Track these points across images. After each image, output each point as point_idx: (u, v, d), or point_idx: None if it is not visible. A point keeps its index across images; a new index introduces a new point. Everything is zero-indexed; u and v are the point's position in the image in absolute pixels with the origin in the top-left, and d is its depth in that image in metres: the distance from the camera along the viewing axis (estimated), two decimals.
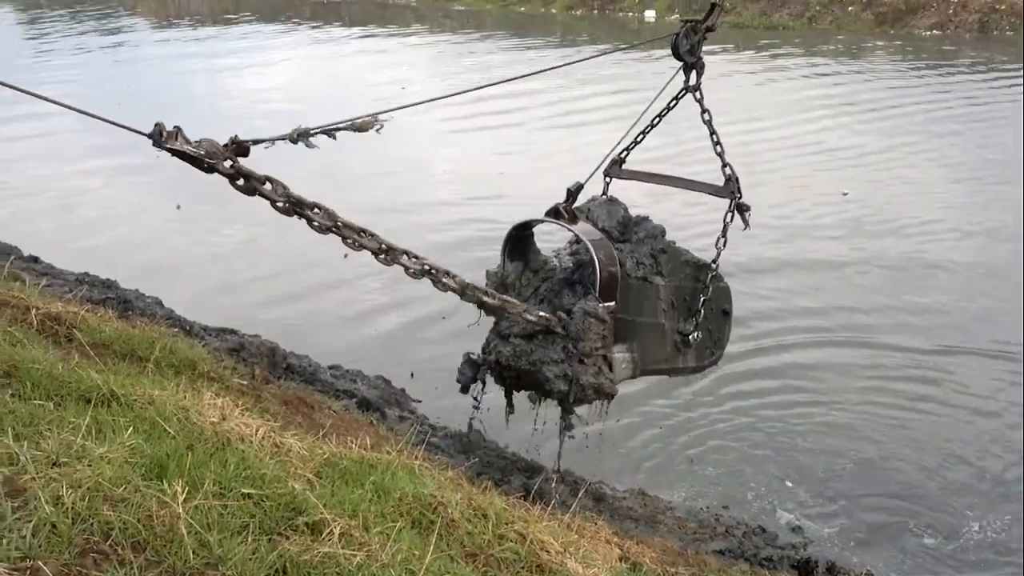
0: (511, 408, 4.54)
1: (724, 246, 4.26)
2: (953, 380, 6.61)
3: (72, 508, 1.82)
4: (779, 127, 14.15)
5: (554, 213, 4.30)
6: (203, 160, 2.63)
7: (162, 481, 2.04)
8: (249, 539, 1.96)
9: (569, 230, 4.27)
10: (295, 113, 14.47)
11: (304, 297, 7.99)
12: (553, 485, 4.24)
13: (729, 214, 4.21)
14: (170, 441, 2.31)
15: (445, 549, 2.30)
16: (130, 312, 5.46)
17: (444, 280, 3.45)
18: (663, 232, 4.44)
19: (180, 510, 1.91)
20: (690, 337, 4.35)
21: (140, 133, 2.52)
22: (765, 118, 14.52)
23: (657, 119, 4.35)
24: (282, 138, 2.72)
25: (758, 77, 19.00)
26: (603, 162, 4.57)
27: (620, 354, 4.18)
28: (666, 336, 4.34)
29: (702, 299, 4.33)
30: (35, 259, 7.27)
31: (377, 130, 2.79)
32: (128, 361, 3.33)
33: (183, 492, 1.97)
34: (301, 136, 2.71)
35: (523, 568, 2.41)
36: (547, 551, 2.50)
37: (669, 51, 4.19)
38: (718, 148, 4.19)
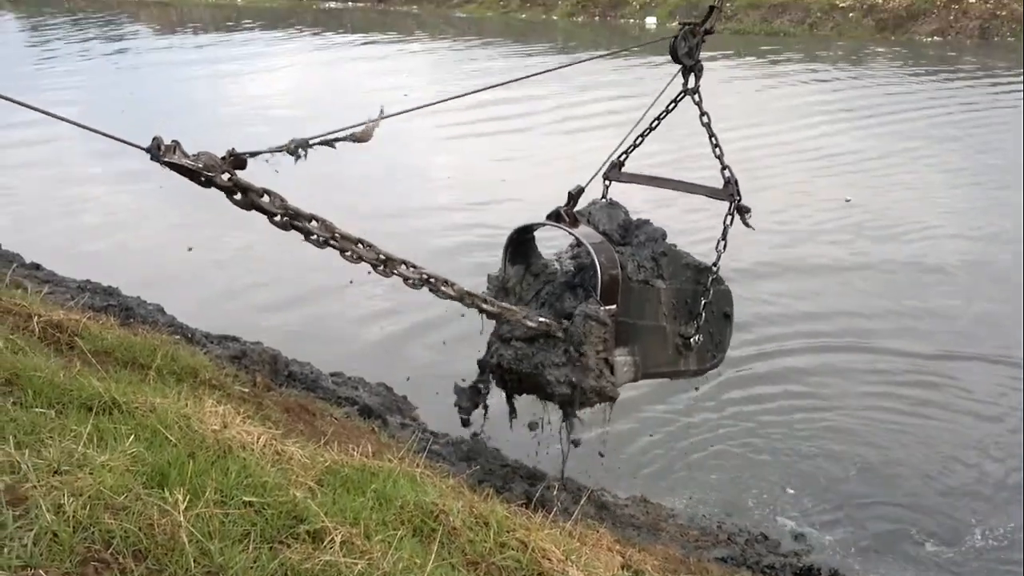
0: (514, 413, 4.54)
1: (724, 249, 4.26)
2: (955, 385, 6.60)
3: (73, 516, 1.82)
4: (779, 133, 14.16)
5: (555, 216, 4.30)
6: (200, 173, 2.63)
7: (163, 489, 2.04)
8: (250, 547, 1.96)
9: (570, 233, 4.28)
10: (296, 119, 14.52)
11: (305, 303, 8.00)
12: (555, 493, 4.23)
13: (729, 217, 4.22)
14: (171, 449, 2.31)
15: (447, 557, 2.29)
16: (132, 319, 5.47)
17: (443, 288, 3.46)
18: (664, 235, 4.44)
19: (181, 518, 1.91)
20: (691, 340, 4.35)
21: (138, 147, 2.53)
22: (765, 124, 14.54)
23: (656, 122, 4.36)
24: (280, 150, 2.72)
25: (758, 83, 19.02)
26: (603, 166, 4.59)
27: (621, 357, 4.18)
28: (667, 339, 4.34)
29: (703, 302, 4.33)
30: (37, 266, 7.29)
31: (374, 124, 2.77)
32: (130, 369, 3.34)
33: (184, 500, 1.97)
34: (300, 147, 2.71)
35: None
36: (549, 559, 2.50)
37: (669, 57, 4.19)
38: (717, 151, 4.19)
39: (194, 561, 1.84)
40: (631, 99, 13.71)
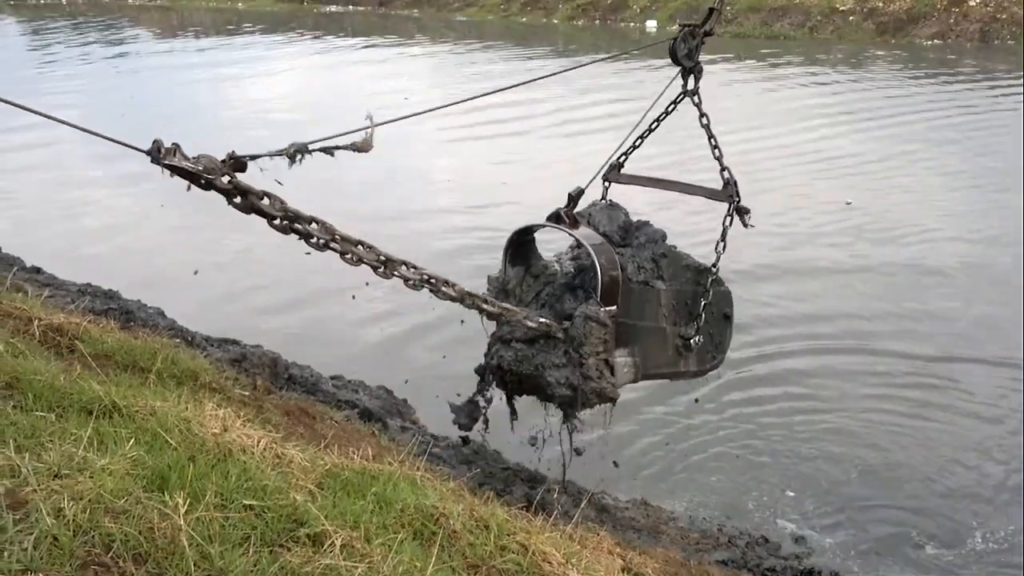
0: (514, 415, 4.54)
1: (724, 250, 4.27)
2: (955, 387, 6.60)
3: (73, 520, 1.82)
4: (779, 136, 14.18)
5: (555, 218, 4.31)
6: (201, 176, 2.63)
7: (163, 493, 2.04)
8: (250, 551, 1.96)
9: (570, 235, 4.28)
10: (296, 123, 14.54)
11: (305, 305, 8.00)
12: (556, 496, 4.23)
13: (728, 218, 4.23)
14: (172, 453, 2.31)
15: (447, 561, 2.29)
16: (132, 323, 5.47)
17: (444, 289, 3.46)
18: (664, 236, 4.44)
19: (181, 522, 1.91)
20: (691, 341, 4.36)
21: (138, 150, 2.53)
22: (765, 127, 14.56)
23: (656, 124, 4.37)
24: (279, 154, 2.72)
25: (758, 86, 19.05)
26: (603, 167, 4.59)
27: (622, 358, 4.18)
28: (667, 340, 4.34)
29: (703, 303, 4.34)
30: (38, 270, 7.29)
31: (371, 134, 2.77)
32: (130, 372, 3.34)
33: (184, 504, 1.97)
34: (299, 151, 2.71)
35: None
36: (549, 562, 2.49)
37: (669, 60, 4.20)
38: (716, 152, 4.20)
39: (194, 565, 1.84)
40: (631, 102, 13.72)
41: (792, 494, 5.41)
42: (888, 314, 7.85)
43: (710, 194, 4.37)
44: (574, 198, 4.36)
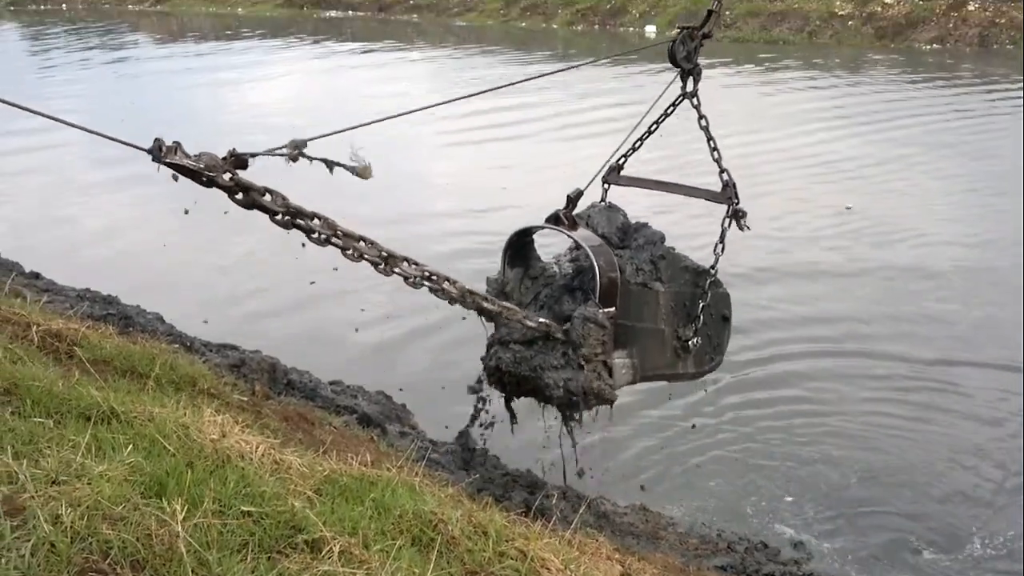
0: (513, 418, 4.54)
1: (722, 252, 4.27)
2: (954, 390, 6.60)
3: (71, 527, 1.82)
4: (777, 140, 14.20)
5: (554, 219, 4.31)
6: (202, 173, 2.64)
7: (161, 499, 2.04)
8: (249, 557, 1.96)
9: (569, 236, 4.29)
10: (295, 128, 14.51)
11: (305, 309, 8.00)
12: (554, 501, 4.22)
13: (727, 220, 4.23)
14: (170, 459, 2.31)
15: (445, 567, 2.29)
16: (131, 328, 5.47)
17: (444, 287, 3.45)
18: (662, 238, 4.45)
19: (179, 528, 1.91)
20: (690, 343, 4.36)
21: (140, 148, 2.54)
22: (764, 130, 14.57)
23: (655, 126, 4.38)
24: (280, 153, 2.73)
25: (757, 90, 19.08)
26: (602, 169, 4.60)
27: (620, 360, 4.18)
28: (666, 342, 4.34)
29: (701, 305, 4.34)
30: (36, 275, 7.29)
31: (368, 162, 2.79)
32: (128, 378, 3.33)
33: (182, 510, 1.96)
34: (298, 148, 2.72)
35: None
36: (548, 568, 2.49)
37: (668, 64, 4.21)
38: (715, 154, 4.21)
39: (192, 571, 1.83)
40: (630, 106, 13.74)
41: (791, 499, 5.40)
42: (887, 317, 7.85)
43: (709, 196, 4.37)
44: (573, 200, 4.36)
